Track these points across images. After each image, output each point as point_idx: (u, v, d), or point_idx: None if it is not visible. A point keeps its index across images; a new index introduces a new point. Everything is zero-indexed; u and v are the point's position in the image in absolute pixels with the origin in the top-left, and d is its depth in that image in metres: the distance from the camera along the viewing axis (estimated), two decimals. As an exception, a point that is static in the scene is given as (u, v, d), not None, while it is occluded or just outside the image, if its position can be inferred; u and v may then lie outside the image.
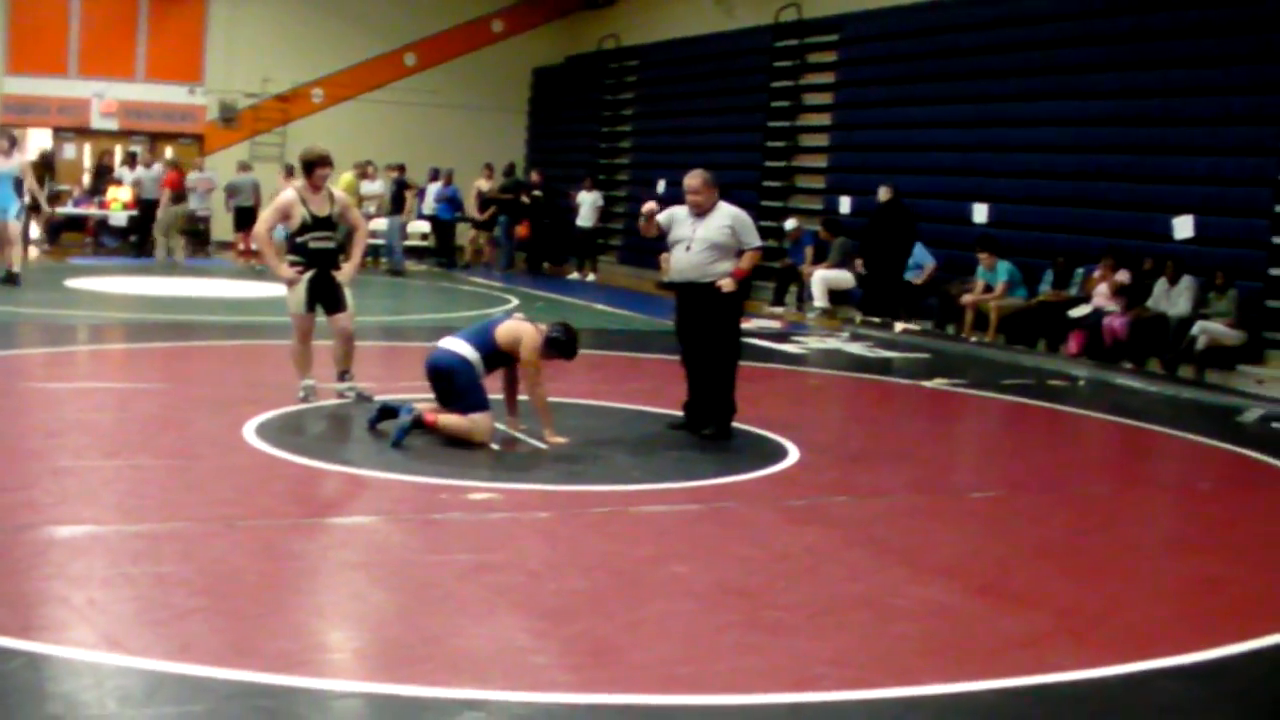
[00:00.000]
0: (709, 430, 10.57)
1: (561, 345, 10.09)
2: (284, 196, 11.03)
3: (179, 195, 25.97)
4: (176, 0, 31.24)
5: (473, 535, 7.44)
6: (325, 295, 10.96)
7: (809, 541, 7.77)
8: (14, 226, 19.32)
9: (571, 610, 6.23)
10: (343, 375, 11.08)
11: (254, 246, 17.20)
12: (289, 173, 24.32)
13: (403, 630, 5.89)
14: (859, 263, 20.73)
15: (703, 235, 10.50)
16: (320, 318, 11.10)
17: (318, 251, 10.93)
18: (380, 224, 25.70)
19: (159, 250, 25.47)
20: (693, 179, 10.63)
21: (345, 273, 11.12)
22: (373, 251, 26.32)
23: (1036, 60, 20.21)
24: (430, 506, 8.01)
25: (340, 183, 24.59)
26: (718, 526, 7.99)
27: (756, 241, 10.65)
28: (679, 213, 10.71)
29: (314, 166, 10.94)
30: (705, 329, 10.61)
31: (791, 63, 25.58)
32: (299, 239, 10.90)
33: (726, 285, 10.41)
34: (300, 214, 10.85)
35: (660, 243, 10.98)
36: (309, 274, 10.87)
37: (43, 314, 16.73)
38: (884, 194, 20.67)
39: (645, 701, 5.21)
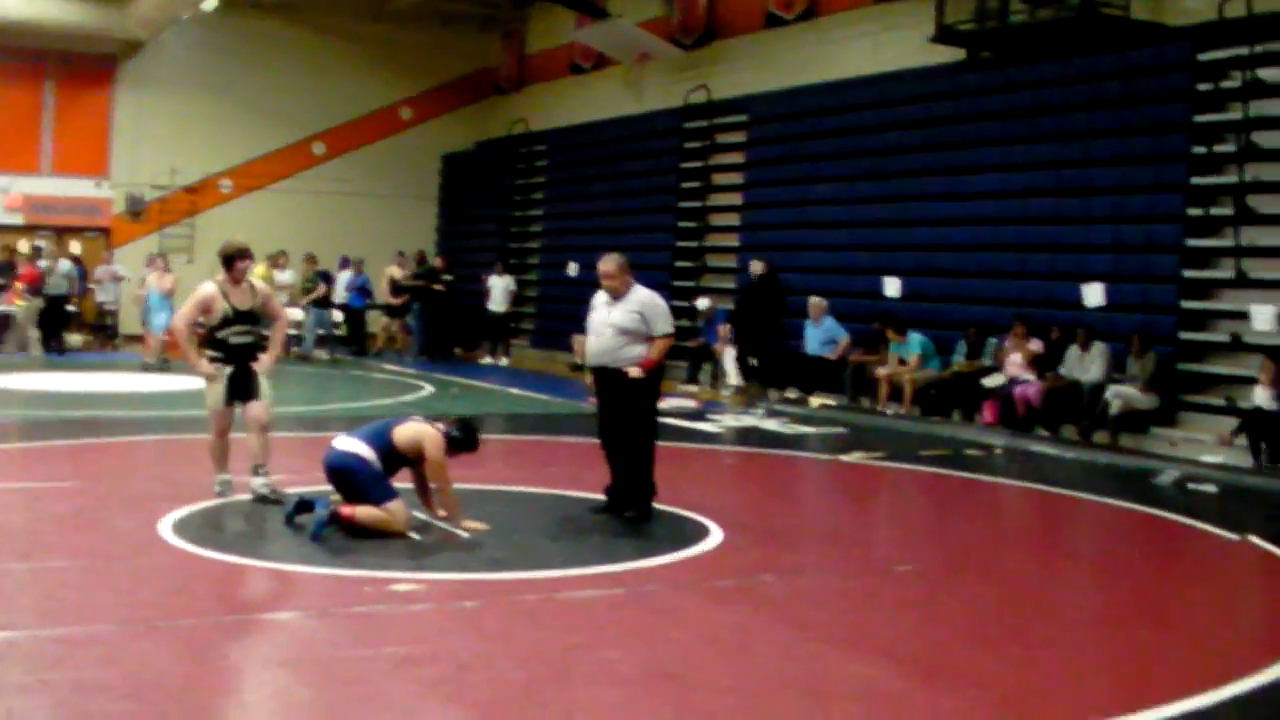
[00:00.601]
0: (630, 513, 10.52)
1: (463, 442, 10.00)
2: (204, 290, 10.77)
3: (35, 289, 25.62)
4: (82, 93, 31.04)
5: (399, 628, 7.34)
6: (242, 387, 10.77)
7: (737, 622, 7.73)
8: None
9: (504, 702, 6.15)
10: (257, 470, 10.77)
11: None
12: (150, 262, 24.79)
13: (333, 729, 5.79)
14: (726, 334, 21.48)
15: (614, 320, 10.51)
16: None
17: (237, 347, 10.76)
18: (296, 314, 25.52)
19: (22, 345, 25.15)
20: (606, 264, 10.65)
21: (265, 364, 10.94)
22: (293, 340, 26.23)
23: (938, 136, 20.48)
24: (354, 599, 7.89)
25: (255, 273, 24.45)
26: (645, 610, 7.92)
27: (666, 329, 10.61)
28: (598, 298, 10.72)
29: (234, 260, 10.78)
30: (621, 412, 10.59)
31: (701, 143, 25.76)
32: (219, 334, 10.71)
33: (633, 373, 10.40)
34: (221, 308, 10.67)
35: (571, 325, 11.00)
36: (228, 370, 10.70)
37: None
38: (757, 268, 21.10)
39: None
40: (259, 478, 10.74)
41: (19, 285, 25.53)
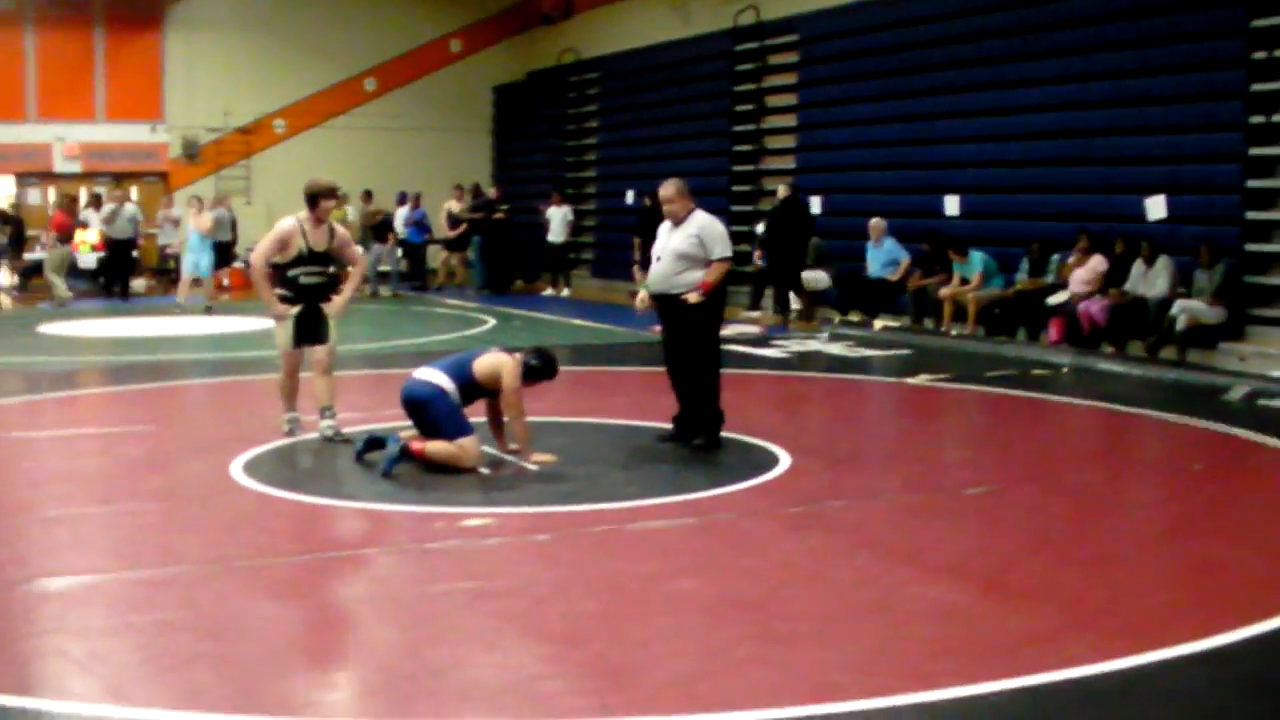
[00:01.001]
0: (699, 441, 10.52)
1: (541, 371, 9.99)
2: (284, 226, 10.61)
3: (65, 237, 25.73)
4: (132, 38, 31.09)
5: (472, 562, 7.38)
6: (310, 329, 10.72)
7: (810, 548, 7.74)
8: None
9: (581, 633, 6.18)
10: (324, 411, 10.80)
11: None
12: (200, 206, 24.29)
13: (410, 664, 5.83)
14: (757, 255, 21.35)
15: (672, 246, 10.50)
16: None
17: (307, 287, 10.66)
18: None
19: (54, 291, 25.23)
20: (666, 188, 10.64)
21: (335, 307, 10.86)
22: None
23: (994, 49, 20.22)
24: (427, 535, 7.94)
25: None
26: (718, 539, 7.94)
27: (723, 252, 10.55)
28: (663, 226, 10.69)
29: (319, 198, 10.64)
30: (683, 339, 10.57)
31: (752, 65, 25.53)
32: (290, 272, 10.59)
33: (691, 298, 10.36)
34: (298, 246, 10.56)
35: (631, 253, 10.95)
36: (296, 310, 10.64)
37: (16, 361, 16.59)
38: (782, 191, 21.34)
39: (666, 722, 5.17)
40: (325, 419, 10.78)
41: (51, 232, 25.62)
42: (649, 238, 22.96)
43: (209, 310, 22.48)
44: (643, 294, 10.89)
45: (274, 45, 31.54)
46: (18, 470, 10.17)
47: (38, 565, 7.38)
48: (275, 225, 10.78)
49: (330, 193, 10.79)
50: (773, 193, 24.32)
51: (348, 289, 11.09)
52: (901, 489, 9.51)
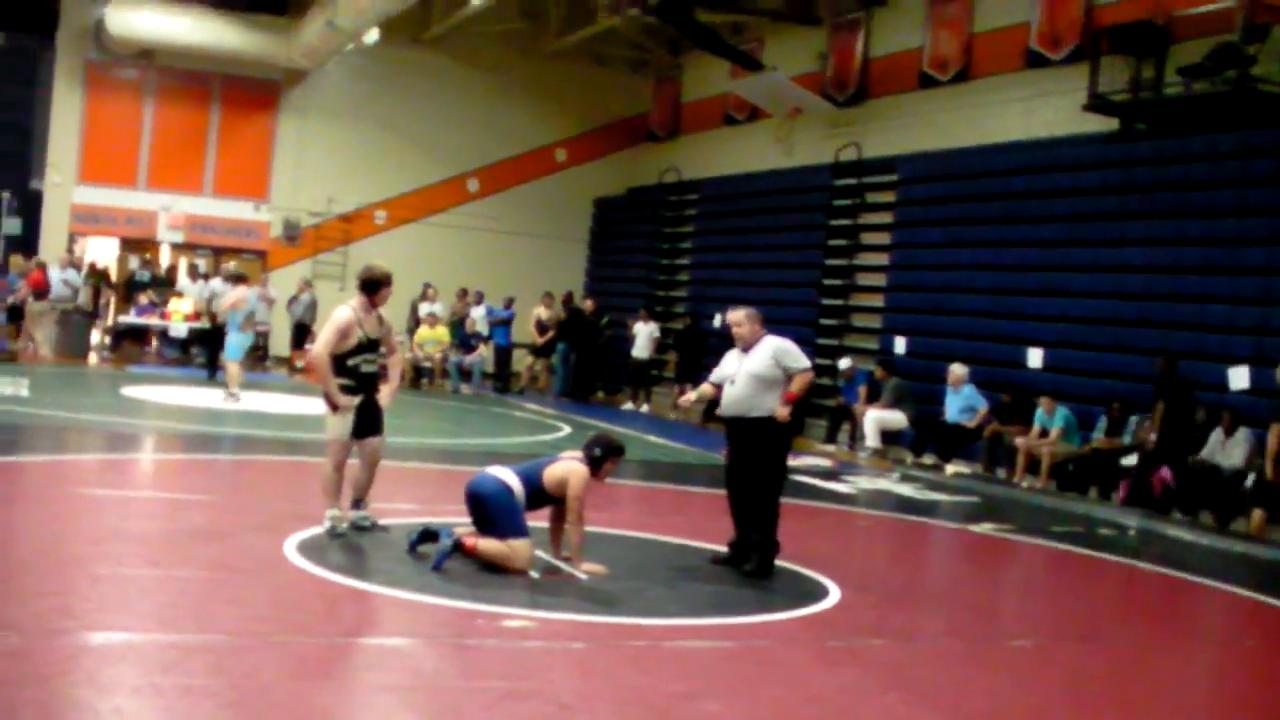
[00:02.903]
0: (749, 566, 10.52)
1: (603, 457, 10.12)
2: (343, 316, 10.59)
3: (40, 293, 25.86)
4: (247, 119, 31.82)
5: (506, 662, 7.41)
6: (368, 420, 10.70)
7: (843, 684, 7.70)
8: None
9: (600, 744, 6.19)
10: (359, 503, 10.81)
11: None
12: (237, 280, 22.25)
13: (429, 757, 5.87)
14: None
15: (747, 369, 10.58)
16: None
17: (368, 375, 10.69)
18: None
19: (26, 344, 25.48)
20: (735, 313, 10.84)
21: (388, 396, 10.92)
22: (428, 373, 26.64)
23: (1087, 206, 20.28)
24: (466, 631, 7.99)
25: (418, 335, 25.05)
26: (752, 665, 7.92)
27: (803, 364, 10.66)
28: (729, 355, 10.80)
29: (379, 286, 10.73)
30: (750, 463, 10.61)
31: (850, 201, 25.72)
32: (350, 361, 10.54)
33: (781, 414, 10.43)
34: (357, 335, 10.57)
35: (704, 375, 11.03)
36: (358, 400, 10.60)
37: (97, 420, 16.87)
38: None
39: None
40: (360, 510, 10.79)
41: (26, 286, 25.81)
42: (686, 356, 23.58)
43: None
44: (694, 395, 11.07)
45: (383, 138, 32.15)
46: (80, 526, 10.34)
47: (81, 619, 7.50)
48: (332, 316, 10.68)
49: (389, 280, 10.86)
50: (862, 330, 24.49)
51: (394, 377, 11.23)
52: (946, 634, 9.45)
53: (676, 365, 27.30)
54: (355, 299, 10.80)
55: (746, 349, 10.67)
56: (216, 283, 24.83)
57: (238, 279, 21.36)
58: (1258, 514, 15.49)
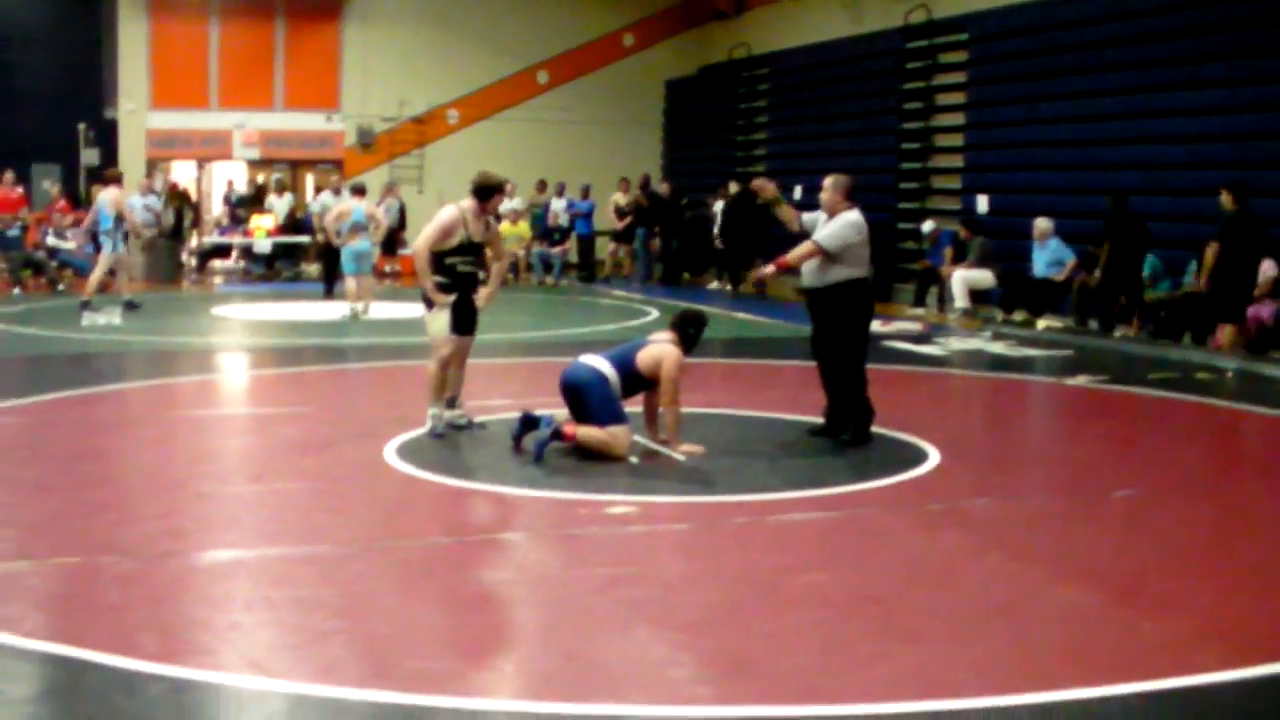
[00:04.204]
0: (846, 435, 10.55)
1: (697, 335, 10.30)
2: (449, 215, 10.59)
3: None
4: (311, 29, 31.80)
5: (610, 549, 7.50)
6: (465, 318, 10.77)
7: (946, 547, 7.73)
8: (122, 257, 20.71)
9: (708, 622, 6.26)
10: (451, 402, 10.88)
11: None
12: (355, 192, 21.59)
13: (541, 647, 5.98)
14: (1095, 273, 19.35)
15: (819, 238, 10.52)
16: None
17: (465, 275, 10.70)
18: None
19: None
20: (825, 180, 10.70)
21: (485, 298, 10.95)
22: (513, 268, 26.69)
23: (1169, 50, 19.87)
24: (568, 521, 8.08)
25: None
26: (853, 534, 7.98)
27: (822, 238, 10.44)
28: (820, 216, 10.72)
29: (493, 193, 10.75)
30: (830, 333, 10.61)
31: (922, 63, 25.38)
32: (448, 260, 10.57)
33: (760, 273, 10.69)
34: (460, 235, 10.57)
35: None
36: (454, 297, 10.62)
37: (189, 341, 17.11)
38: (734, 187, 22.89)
39: (784, 713, 5.23)
40: (454, 409, 10.87)
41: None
42: (732, 229, 24.59)
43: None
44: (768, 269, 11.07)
45: (448, 38, 31.98)
46: (179, 447, 10.52)
47: (189, 539, 7.66)
48: (439, 214, 10.71)
49: (502, 189, 10.94)
50: (943, 191, 24.29)
51: (494, 281, 11.24)
52: (1046, 490, 9.46)
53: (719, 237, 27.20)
54: (467, 200, 10.75)
55: (830, 217, 10.60)
56: (326, 195, 24.37)
57: (356, 191, 21.21)
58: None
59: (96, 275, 20.59)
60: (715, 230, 27.31)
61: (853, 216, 10.56)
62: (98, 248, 21.10)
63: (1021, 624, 6.33)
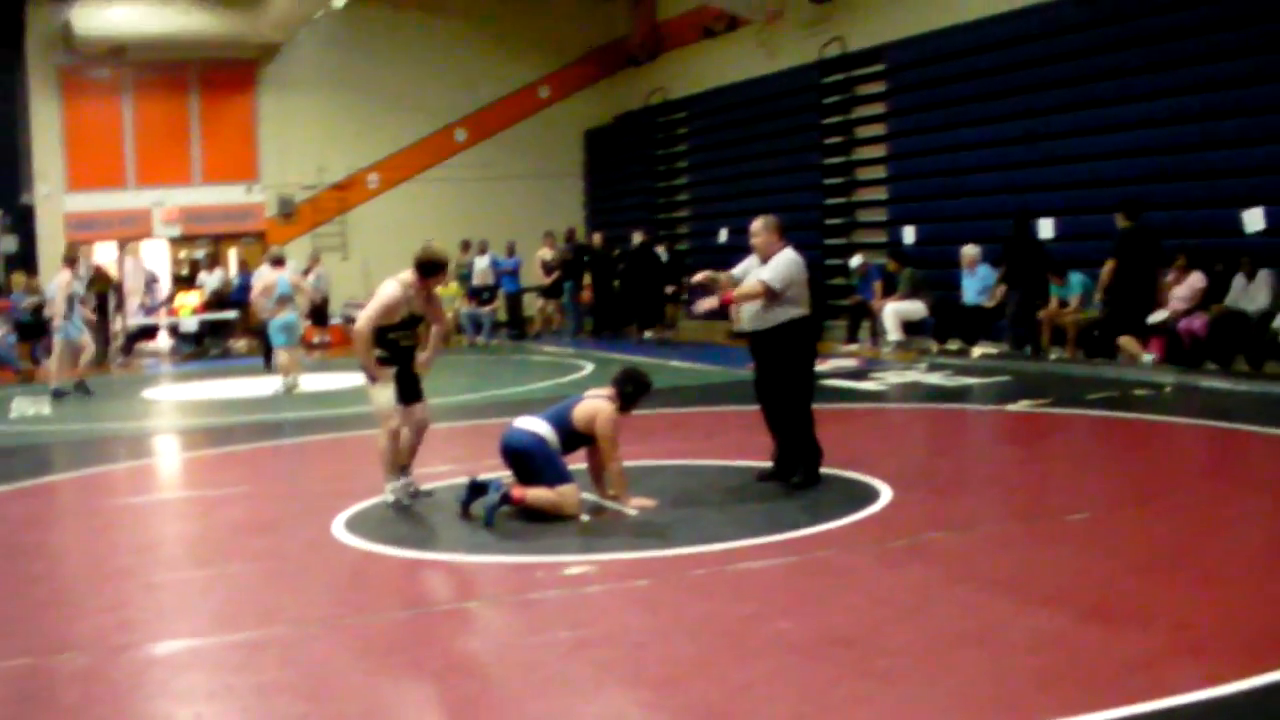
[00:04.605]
0: (796, 478, 10.49)
1: (636, 393, 10.10)
2: (391, 293, 10.38)
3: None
4: (226, 101, 31.65)
5: (572, 611, 7.38)
6: (408, 387, 10.63)
7: (911, 582, 7.67)
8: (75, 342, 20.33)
9: (680, 678, 6.16)
10: (404, 469, 10.69)
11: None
12: (71, 263, 21.10)
13: (513, 717, 5.84)
14: (1000, 290, 20.05)
15: (760, 280, 10.46)
16: None
17: (405, 349, 10.58)
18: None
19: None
20: (755, 222, 10.67)
21: (425, 364, 10.83)
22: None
23: (1082, 68, 20.06)
24: (527, 586, 7.95)
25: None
26: (817, 577, 7.91)
27: (767, 276, 10.39)
28: (752, 262, 10.68)
29: (436, 270, 10.57)
30: (774, 375, 10.55)
31: (840, 97, 25.54)
32: (390, 335, 10.42)
33: (701, 306, 10.53)
34: (402, 312, 10.42)
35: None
36: (394, 370, 10.47)
37: (121, 427, 16.86)
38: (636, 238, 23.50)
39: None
40: (405, 477, 10.67)
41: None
42: (633, 277, 25.39)
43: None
44: (705, 274, 10.92)
45: (364, 101, 31.97)
46: (124, 536, 10.30)
47: (142, 631, 7.48)
48: (380, 290, 10.47)
49: (446, 266, 10.79)
50: (869, 224, 24.39)
51: (433, 346, 11.05)
52: (1002, 518, 9.41)
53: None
54: (408, 274, 10.57)
55: (764, 259, 10.56)
56: (265, 268, 23.99)
57: (275, 262, 20.96)
58: None
59: (58, 361, 20.32)
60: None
61: (792, 254, 10.55)
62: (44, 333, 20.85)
63: (995, 654, 6.27)
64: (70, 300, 20.14)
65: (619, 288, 27.24)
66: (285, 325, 19.95)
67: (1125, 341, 17.32)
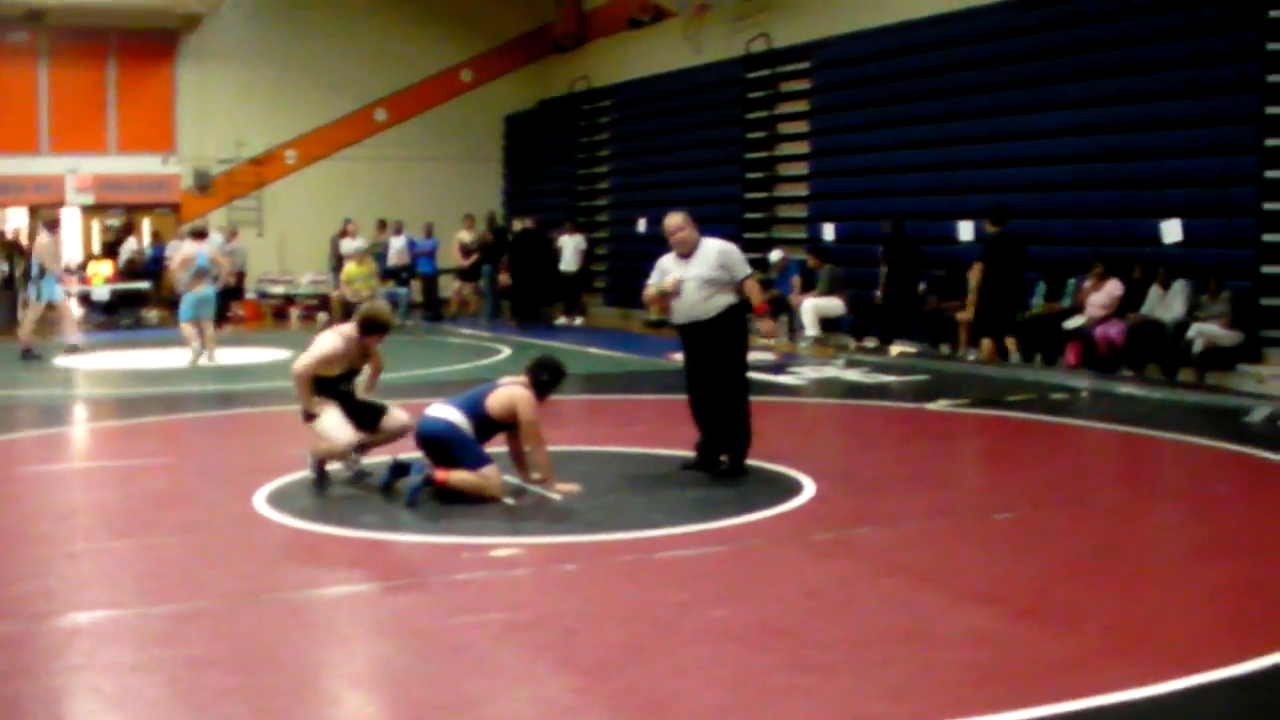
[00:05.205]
0: (724, 462, 10.50)
1: (552, 381, 10.10)
2: (333, 346, 10.26)
3: None
4: (144, 70, 31.26)
5: (501, 594, 7.35)
6: (361, 413, 10.48)
7: (839, 575, 7.70)
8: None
9: (613, 663, 6.15)
10: (361, 450, 10.58)
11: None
12: (51, 226, 21.81)
13: (443, 696, 5.80)
14: (876, 294, 20.68)
15: (695, 274, 10.48)
16: None
17: (345, 393, 10.47)
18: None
19: None
20: (674, 218, 10.66)
21: (363, 386, 10.70)
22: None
23: (1007, 74, 20.19)
24: (454, 567, 7.90)
25: (345, 273, 24.76)
26: (747, 566, 7.92)
27: (748, 270, 10.67)
28: (665, 261, 10.69)
29: (379, 331, 10.45)
30: (714, 364, 10.55)
31: (764, 93, 25.57)
32: (329, 380, 10.31)
33: (765, 329, 10.39)
34: (342, 365, 10.35)
35: (644, 281, 10.94)
36: (333, 402, 10.29)
37: (35, 394, 16.63)
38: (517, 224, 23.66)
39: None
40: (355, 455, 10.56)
41: None
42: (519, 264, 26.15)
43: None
44: (657, 289, 10.77)
45: (285, 76, 31.68)
46: (41, 503, 10.14)
47: (64, 600, 7.38)
48: (320, 341, 10.36)
49: (387, 328, 10.63)
50: (789, 220, 24.47)
51: (373, 376, 10.86)
52: (927, 514, 9.44)
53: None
54: (348, 326, 10.51)
55: (687, 254, 10.57)
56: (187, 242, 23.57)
57: (196, 235, 20.81)
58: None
59: (29, 324, 20.80)
60: (560, 265, 27.40)
61: (727, 243, 10.66)
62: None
63: (928, 649, 6.29)
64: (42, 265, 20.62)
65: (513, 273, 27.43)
66: (200, 300, 19.74)
67: (987, 344, 18.14)
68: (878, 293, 20.13)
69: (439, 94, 33.52)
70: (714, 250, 10.55)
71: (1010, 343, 18.00)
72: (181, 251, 20.65)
